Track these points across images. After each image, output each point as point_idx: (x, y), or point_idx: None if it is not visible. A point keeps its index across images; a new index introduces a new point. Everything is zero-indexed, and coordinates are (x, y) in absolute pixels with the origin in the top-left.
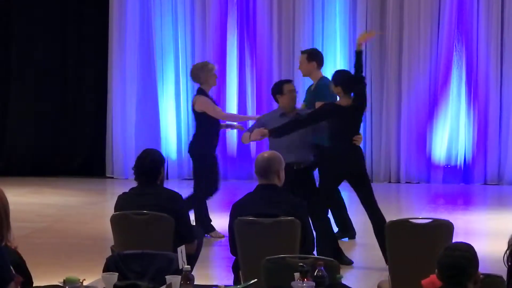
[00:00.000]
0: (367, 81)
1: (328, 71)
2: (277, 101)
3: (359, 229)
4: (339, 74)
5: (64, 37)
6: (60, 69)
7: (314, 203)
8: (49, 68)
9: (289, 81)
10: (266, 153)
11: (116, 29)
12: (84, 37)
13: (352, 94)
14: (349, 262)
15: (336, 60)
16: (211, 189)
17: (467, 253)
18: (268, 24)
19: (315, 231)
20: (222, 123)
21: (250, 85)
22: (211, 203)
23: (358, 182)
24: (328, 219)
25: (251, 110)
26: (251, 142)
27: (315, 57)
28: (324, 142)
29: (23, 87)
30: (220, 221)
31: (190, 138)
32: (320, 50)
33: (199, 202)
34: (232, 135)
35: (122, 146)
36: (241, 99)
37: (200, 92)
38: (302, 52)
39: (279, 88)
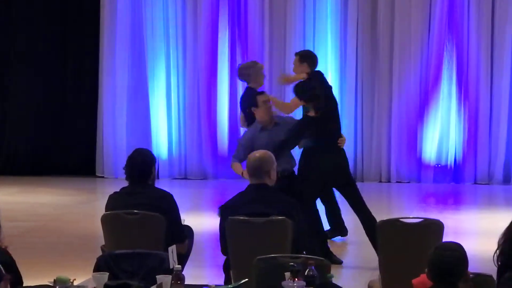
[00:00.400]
0: (359, 81)
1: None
2: (254, 116)
3: (350, 228)
4: (300, 89)
5: (54, 39)
6: (50, 70)
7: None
8: (38, 69)
9: (261, 93)
10: (258, 153)
11: (107, 28)
12: (74, 37)
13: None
14: (338, 262)
15: (327, 60)
16: None
17: (458, 252)
18: (260, 23)
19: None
20: None
21: (241, 83)
22: (201, 202)
23: (344, 186)
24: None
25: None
26: None
27: (306, 58)
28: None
29: (12, 88)
30: (210, 220)
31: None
32: (312, 49)
33: None
34: (222, 134)
35: (113, 146)
36: (232, 98)
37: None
38: (296, 54)
39: (254, 101)
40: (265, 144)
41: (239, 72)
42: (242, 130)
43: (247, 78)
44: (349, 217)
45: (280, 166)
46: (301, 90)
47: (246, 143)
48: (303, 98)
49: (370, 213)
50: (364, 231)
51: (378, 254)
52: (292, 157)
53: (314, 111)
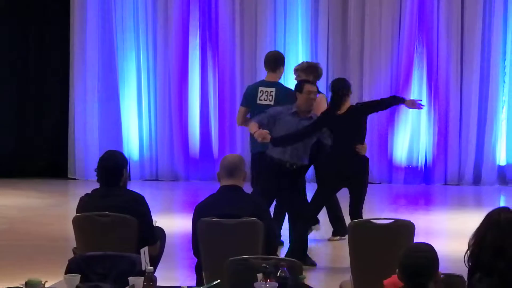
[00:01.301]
0: (329, 81)
1: (289, 73)
2: (296, 98)
3: (323, 227)
4: (336, 83)
5: (23, 37)
6: (21, 70)
7: (305, 206)
8: (9, 67)
9: (312, 83)
10: (233, 155)
11: (77, 31)
12: (44, 41)
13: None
14: (312, 264)
15: (298, 59)
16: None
17: (428, 253)
18: (231, 24)
19: (294, 231)
20: None
21: (212, 86)
22: (173, 204)
23: (354, 187)
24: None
25: (213, 112)
26: (215, 142)
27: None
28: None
29: None
30: (182, 222)
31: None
32: (282, 49)
33: None
34: (193, 136)
35: (84, 148)
36: (203, 100)
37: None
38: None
39: (300, 87)
40: (290, 128)
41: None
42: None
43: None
44: (320, 217)
45: (291, 157)
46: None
47: (272, 113)
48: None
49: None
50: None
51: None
52: (307, 153)
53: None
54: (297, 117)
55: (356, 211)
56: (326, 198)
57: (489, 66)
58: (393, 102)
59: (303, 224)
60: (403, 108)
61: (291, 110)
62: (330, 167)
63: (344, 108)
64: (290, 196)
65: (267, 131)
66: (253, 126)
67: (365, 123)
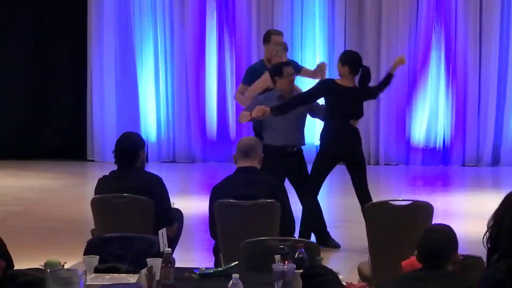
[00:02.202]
0: None
1: (307, 52)
2: (275, 82)
3: (341, 208)
4: (348, 53)
5: (40, 19)
6: (37, 51)
7: (304, 183)
8: (25, 49)
9: (288, 64)
10: (249, 137)
11: (94, 13)
12: (61, 19)
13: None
14: (336, 246)
15: (315, 44)
16: None
17: (447, 234)
18: (247, 4)
19: (304, 210)
20: None
21: (229, 67)
22: (190, 186)
23: (353, 164)
24: (315, 202)
25: (230, 93)
26: (232, 124)
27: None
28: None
29: None
30: (199, 204)
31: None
32: (299, 31)
33: None
34: (211, 117)
35: (102, 129)
36: (220, 82)
37: None
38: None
39: (279, 70)
40: None
41: None
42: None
43: None
44: (342, 199)
45: (290, 140)
46: (355, 59)
47: (262, 101)
48: (351, 65)
49: (370, 197)
50: (357, 213)
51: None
52: (303, 134)
53: (352, 81)
54: (283, 100)
55: (362, 188)
56: (323, 173)
57: (508, 46)
58: (387, 79)
59: (304, 203)
60: (421, 88)
61: (276, 94)
62: (327, 142)
63: (348, 81)
64: (298, 178)
65: (264, 106)
66: (245, 114)
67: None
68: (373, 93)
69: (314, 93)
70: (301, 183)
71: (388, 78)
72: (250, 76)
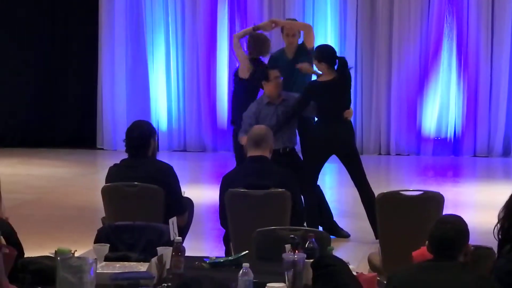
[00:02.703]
0: (358, 53)
1: (318, 41)
2: (262, 87)
3: (349, 200)
4: (320, 50)
5: (52, 9)
6: (50, 40)
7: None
8: (37, 39)
9: (274, 67)
10: (259, 126)
11: (106, 2)
12: (73, 10)
13: (335, 67)
14: (345, 236)
15: (326, 33)
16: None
17: (458, 225)
18: None
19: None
20: None
21: None
22: (201, 175)
23: (346, 157)
24: (313, 194)
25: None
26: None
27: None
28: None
29: (10, 57)
30: (210, 193)
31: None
32: (310, 18)
33: None
34: (222, 107)
35: (112, 118)
36: (231, 71)
37: None
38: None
39: (265, 75)
40: (271, 118)
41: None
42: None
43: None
44: (348, 189)
45: (283, 142)
46: (330, 53)
47: (251, 116)
48: (328, 60)
49: (369, 188)
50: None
51: (376, 228)
52: (294, 134)
53: (332, 73)
54: (272, 105)
55: (361, 181)
56: (317, 165)
57: None
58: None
59: (308, 196)
60: (432, 78)
61: (265, 101)
62: (319, 134)
63: (328, 76)
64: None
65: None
66: (244, 140)
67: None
68: (348, 79)
69: (301, 102)
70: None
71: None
72: (271, 64)
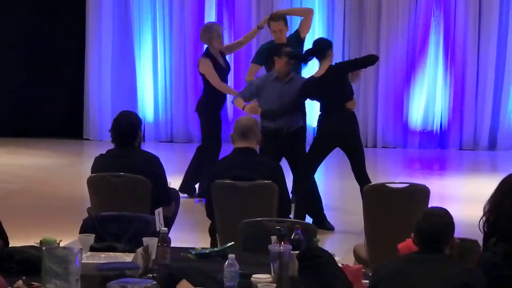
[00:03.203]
0: (346, 46)
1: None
2: (273, 63)
3: (335, 192)
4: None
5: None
6: (36, 29)
7: (299, 166)
8: (24, 27)
9: (286, 45)
10: (247, 117)
11: None
12: (60, 2)
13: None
14: (330, 228)
15: (314, 24)
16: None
17: (444, 218)
18: None
19: (297, 193)
20: None
21: None
22: (187, 166)
23: (347, 147)
24: (308, 185)
25: (229, 75)
26: (230, 105)
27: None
28: None
29: None
30: (196, 184)
31: (199, 97)
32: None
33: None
34: None
35: (99, 108)
36: None
37: (205, 54)
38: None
39: (278, 51)
40: (275, 94)
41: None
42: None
43: (203, 40)
44: (334, 182)
45: (286, 122)
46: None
47: (255, 85)
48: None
49: (369, 181)
50: (354, 195)
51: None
52: (300, 115)
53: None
54: (279, 82)
55: (361, 172)
56: (318, 157)
57: (507, 29)
58: (369, 61)
59: (305, 185)
60: (419, 71)
61: (273, 76)
62: (322, 127)
63: (323, 69)
64: (295, 158)
65: (257, 104)
66: (240, 102)
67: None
68: (343, 67)
69: (299, 97)
70: (296, 165)
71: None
72: (260, 54)
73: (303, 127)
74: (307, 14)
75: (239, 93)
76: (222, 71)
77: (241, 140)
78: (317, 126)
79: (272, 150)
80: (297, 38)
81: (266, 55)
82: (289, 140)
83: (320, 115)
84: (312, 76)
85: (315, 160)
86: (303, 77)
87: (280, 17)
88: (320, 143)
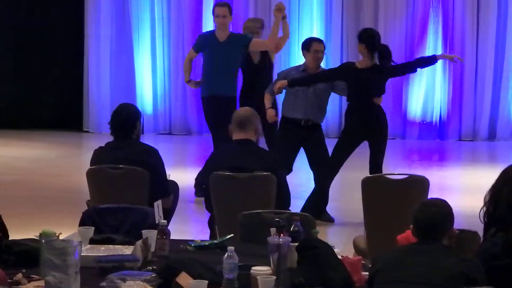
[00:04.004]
0: (344, 37)
1: (304, 31)
2: (304, 56)
3: (334, 184)
4: (365, 32)
5: None
6: (34, 21)
7: (326, 159)
8: (22, 19)
9: (320, 41)
10: (244, 108)
11: None
12: None
13: (377, 55)
14: (330, 220)
15: (312, 18)
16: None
17: (442, 208)
18: None
19: (316, 184)
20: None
21: None
22: (186, 158)
23: (373, 139)
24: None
25: None
26: None
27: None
28: None
29: None
30: (195, 176)
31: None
32: (297, 6)
33: None
34: None
35: (98, 101)
36: None
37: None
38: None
39: (307, 45)
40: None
41: None
42: None
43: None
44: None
45: (305, 113)
46: (373, 37)
47: (280, 76)
48: (368, 43)
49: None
50: (353, 186)
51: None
52: (321, 110)
53: (370, 60)
54: (307, 74)
55: (375, 166)
56: (345, 152)
57: (505, 20)
58: (423, 63)
59: (324, 177)
60: None
61: (301, 68)
62: (351, 120)
63: (366, 62)
64: (314, 156)
65: (275, 115)
66: (267, 100)
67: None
68: (396, 70)
69: (332, 73)
70: (317, 163)
71: (430, 59)
72: (197, 42)
73: (320, 126)
74: (275, 38)
75: (268, 88)
76: (252, 66)
77: (239, 131)
78: (345, 119)
79: (290, 138)
80: (243, 42)
81: (199, 44)
82: (307, 132)
83: (348, 109)
84: (353, 63)
85: (342, 155)
86: None
87: (225, 4)
88: (348, 137)
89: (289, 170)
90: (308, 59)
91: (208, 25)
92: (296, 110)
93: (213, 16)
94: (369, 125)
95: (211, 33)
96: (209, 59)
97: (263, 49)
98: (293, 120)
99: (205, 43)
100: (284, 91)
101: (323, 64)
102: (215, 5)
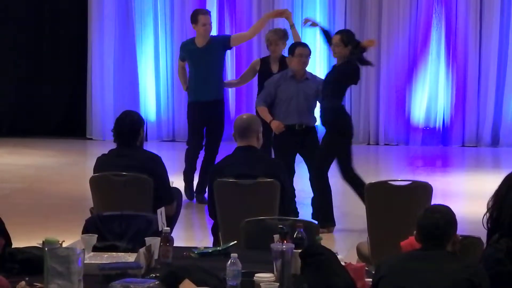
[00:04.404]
0: None
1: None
2: (288, 61)
3: (338, 190)
4: (349, 33)
5: None
6: (38, 27)
7: (323, 163)
8: (26, 25)
9: (304, 45)
10: (245, 115)
11: None
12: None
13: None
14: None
15: (315, 16)
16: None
17: (446, 215)
18: None
19: (315, 188)
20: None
21: None
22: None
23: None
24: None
25: (230, 71)
26: (232, 103)
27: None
28: None
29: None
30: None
31: None
32: (299, 5)
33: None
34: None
35: (102, 108)
36: None
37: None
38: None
39: (292, 49)
40: (292, 92)
41: None
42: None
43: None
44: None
45: (298, 118)
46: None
47: (272, 85)
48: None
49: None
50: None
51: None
52: (312, 114)
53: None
54: (295, 80)
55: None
56: (349, 154)
57: (508, 26)
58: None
59: (318, 180)
60: (421, 68)
61: (289, 74)
62: (348, 121)
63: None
64: (308, 154)
65: (281, 123)
66: (264, 112)
67: None
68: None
69: (356, 74)
70: (311, 161)
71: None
72: (181, 51)
73: (315, 128)
74: (256, 32)
75: (258, 98)
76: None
77: (241, 139)
78: (341, 122)
79: (287, 144)
80: (222, 42)
81: (182, 53)
82: (303, 137)
83: (338, 110)
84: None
85: (347, 157)
86: (319, 78)
87: (208, 11)
88: (350, 138)
89: (292, 173)
90: (293, 63)
91: (211, 32)
92: (289, 117)
93: (198, 23)
94: None
95: (190, 41)
96: (192, 66)
97: (244, 41)
98: (288, 127)
99: (185, 51)
100: (274, 101)
101: (326, 68)
102: (202, 13)
